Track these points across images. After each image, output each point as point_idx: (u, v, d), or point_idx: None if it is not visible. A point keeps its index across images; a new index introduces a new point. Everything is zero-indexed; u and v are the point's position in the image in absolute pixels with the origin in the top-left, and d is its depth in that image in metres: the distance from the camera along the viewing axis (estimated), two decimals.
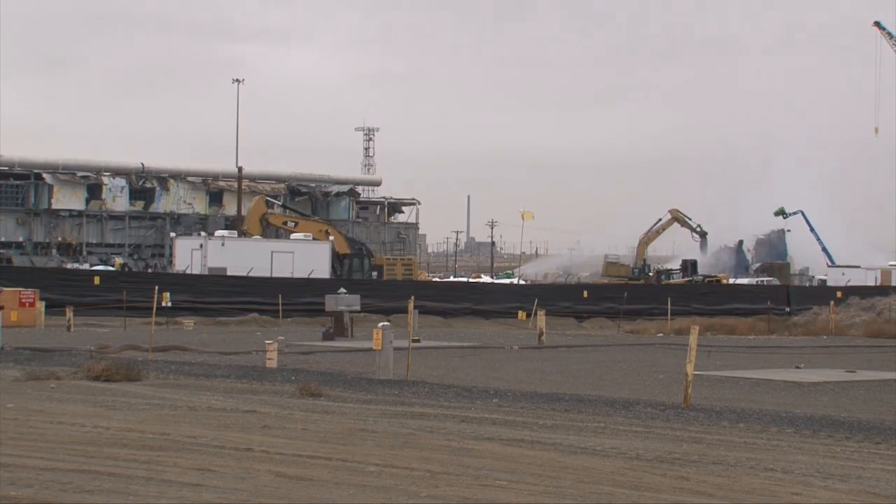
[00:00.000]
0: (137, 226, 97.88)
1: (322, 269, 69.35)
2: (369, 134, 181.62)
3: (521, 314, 57.29)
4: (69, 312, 45.33)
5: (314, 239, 74.61)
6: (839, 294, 66.82)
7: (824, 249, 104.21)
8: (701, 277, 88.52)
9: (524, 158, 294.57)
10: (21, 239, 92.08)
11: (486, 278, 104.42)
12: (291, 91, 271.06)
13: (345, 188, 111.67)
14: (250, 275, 61.95)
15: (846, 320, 58.10)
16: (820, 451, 15.99)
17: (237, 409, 19.02)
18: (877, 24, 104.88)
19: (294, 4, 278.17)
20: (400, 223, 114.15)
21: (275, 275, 64.30)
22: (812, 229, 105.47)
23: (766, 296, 70.96)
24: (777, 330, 56.54)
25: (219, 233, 76.33)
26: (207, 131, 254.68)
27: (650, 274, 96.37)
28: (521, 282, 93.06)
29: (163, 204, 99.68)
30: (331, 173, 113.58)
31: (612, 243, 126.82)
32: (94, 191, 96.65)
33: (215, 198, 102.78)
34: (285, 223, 78.85)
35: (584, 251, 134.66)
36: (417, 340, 36.16)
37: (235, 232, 77.10)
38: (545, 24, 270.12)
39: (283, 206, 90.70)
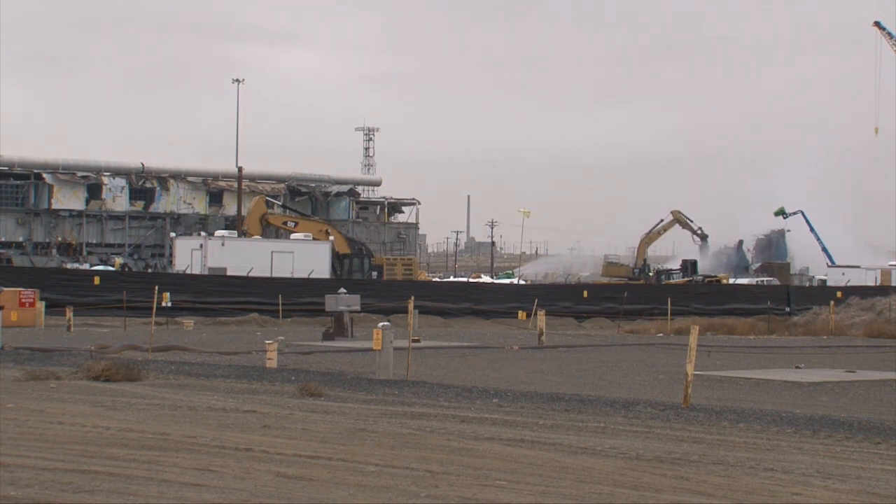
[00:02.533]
0: (137, 226, 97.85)
1: (322, 269, 69.36)
2: (369, 134, 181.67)
3: (521, 314, 57.32)
4: (69, 312, 45.31)
5: (314, 239, 74.64)
6: (839, 294, 66.82)
7: (824, 249, 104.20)
8: (701, 277, 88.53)
9: (524, 158, 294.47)
10: (21, 239, 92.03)
11: (486, 278, 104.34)
12: (292, 91, 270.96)
13: (345, 188, 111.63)
14: (250, 275, 61.94)
15: (846, 320, 58.10)
16: (820, 451, 15.98)
17: (237, 409, 19.01)
18: (877, 24, 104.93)
19: (294, 4, 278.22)
20: (400, 223, 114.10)
21: (275, 275, 64.31)
22: (812, 229, 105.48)
23: (766, 296, 70.96)
24: (777, 330, 56.53)
25: (219, 233, 76.33)
26: (207, 131, 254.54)
27: (650, 274, 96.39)
28: (521, 282, 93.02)
29: (163, 204, 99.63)
30: (331, 173, 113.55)
31: (612, 243, 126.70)
32: (94, 191, 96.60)
33: (215, 198, 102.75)
34: (285, 223, 78.87)
35: (584, 251, 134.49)
36: (417, 340, 36.17)
37: (235, 232, 77.13)
38: (545, 24, 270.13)
39: (283, 206, 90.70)
